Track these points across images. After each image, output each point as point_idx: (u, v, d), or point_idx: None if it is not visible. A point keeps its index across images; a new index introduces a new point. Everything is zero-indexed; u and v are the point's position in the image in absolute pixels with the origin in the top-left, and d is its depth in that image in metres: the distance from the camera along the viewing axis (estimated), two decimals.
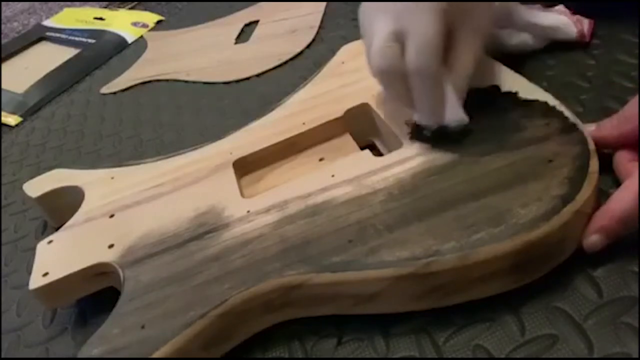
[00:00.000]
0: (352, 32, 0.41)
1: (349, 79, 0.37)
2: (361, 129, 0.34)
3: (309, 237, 0.26)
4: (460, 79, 0.29)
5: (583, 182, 0.24)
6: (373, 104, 0.34)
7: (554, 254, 0.24)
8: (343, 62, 0.39)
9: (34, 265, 0.30)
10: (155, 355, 0.23)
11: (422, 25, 0.26)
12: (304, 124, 0.34)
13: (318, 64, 0.45)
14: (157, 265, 0.28)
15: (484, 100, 0.31)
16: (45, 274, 0.29)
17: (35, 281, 0.29)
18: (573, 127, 0.27)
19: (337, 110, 0.34)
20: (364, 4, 0.31)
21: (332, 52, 0.41)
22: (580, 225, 0.24)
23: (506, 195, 0.25)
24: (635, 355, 0.21)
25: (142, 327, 0.25)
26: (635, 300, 0.23)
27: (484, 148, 0.28)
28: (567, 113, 0.28)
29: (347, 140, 0.34)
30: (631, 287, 0.23)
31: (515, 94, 0.31)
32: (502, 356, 0.23)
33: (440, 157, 0.28)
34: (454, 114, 0.28)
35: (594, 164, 0.25)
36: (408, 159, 0.29)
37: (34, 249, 0.31)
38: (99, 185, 0.35)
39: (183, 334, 0.24)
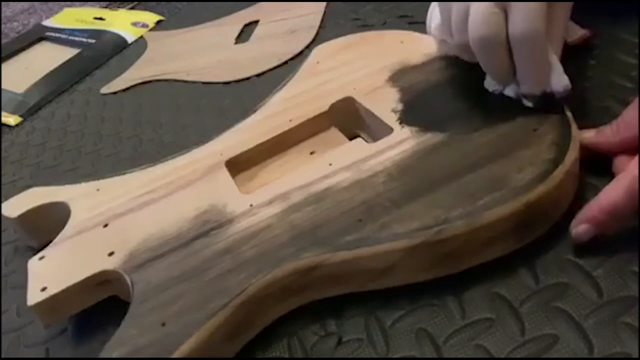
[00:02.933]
0: (352, 32, 0.42)
1: (327, 77, 0.38)
2: (346, 122, 0.35)
3: (318, 222, 0.27)
4: (557, 44, 0.29)
5: (569, 145, 0.26)
6: (357, 97, 0.35)
7: (551, 212, 0.26)
8: (318, 62, 0.40)
9: (28, 282, 0.29)
10: (180, 349, 0.23)
11: None
12: (290, 120, 0.35)
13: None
14: (165, 266, 0.27)
15: (463, 85, 0.33)
16: (44, 289, 0.28)
17: (34, 296, 0.28)
18: (548, 93, 0.29)
19: (321, 105, 0.35)
20: None
21: None
22: (571, 184, 0.26)
23: (501, 163, 0.27)
24: (635, 355, 0.21)
25: (163, 324, 0.24)
26: (635, 300, 0.23)
27: (471, 126, 0.30)
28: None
29: (335, 133, 0.35)
30: (631, 287, 0.23)
31: None
32: (502, 356, 0.23)
33: (431, 138, 0.30)
34: (560, 80, 0.28)
35: (575, 130, 0.27)
36: (401, 142, 0.30)
37: (33, 249, 0.31)
38: (85, 199, 0.34)
39: (206, 326, 0.24)
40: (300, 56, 0.49)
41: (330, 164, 0.30)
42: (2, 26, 0.79)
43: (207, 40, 0.58)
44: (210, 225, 0.29)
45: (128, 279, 0.27)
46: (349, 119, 0.35)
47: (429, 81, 0.34)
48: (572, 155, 0.26)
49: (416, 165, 0.28)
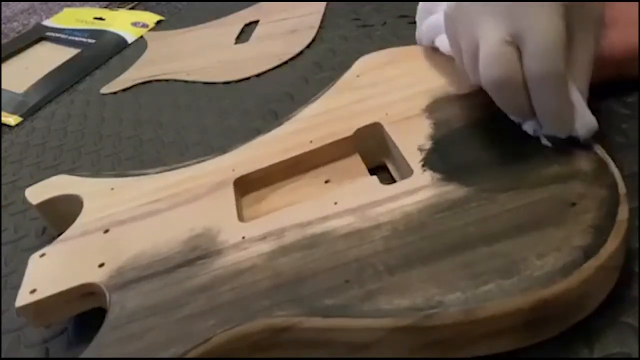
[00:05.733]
0: (352, 32, 0.40)
1: (362, 95, 0.34)
2: (372, 149, 0.32)
3: (304, 274, 0.24)
4: (582, 81, 0.26)
5: (609, 232, 0.22)
6: (385, 124, 0.31)
7: (572, 312, 0.22)
8: (358, 76, 0.36)
9: (23, 280, 0.29)
10: None
11: (543, 23, 0.24)
12: (311, 142, 0.32)
13: (318, 64, 0.44)
14: (145, 292, 0.26)
15: (506, 126, 0.28)
16: (33, 291, 0.28)
17: (23, 298, 0.28)
18: (602, 166, 0.24)
19: (347, 128, 0.32)
20: (454, 6, 0.28)
21: (332, 52, 0.39)
22: (604, 281, 0.22)
23: (521, 241, 0.22)
24: (635, 355, 0.21)
25: None
26: (635, 300, 0.22)
27: (501, 183, 0.25)
28: (597, 149, 0.25)
29: (356, 161, 0.32)
30: (631, 286, 0.23)
31: None
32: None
33: (452, 191, 0.26)
34: (585, 120, 0.25)
35: (624, 211, 0.22)
36: (417, 190, 0.26)
37: (33, 249, 0.31)
38: (98, 196, 0.33)
39: None
40: (300, 56, 0.48)
41: (336, 203, 0.27)
42: (2, 26, 0.81)
43: (207, 40, 0.58)
44: (198, 252, 0.27)
45: (108, 298, 0.27)
46: (374, 147, 0.32)
47: (469, 117, 0.30)
48: (611, 246, 0.21)
49: (426, 223, 0.25)
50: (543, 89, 0.24)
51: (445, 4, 0.29)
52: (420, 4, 0.37)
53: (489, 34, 0.25)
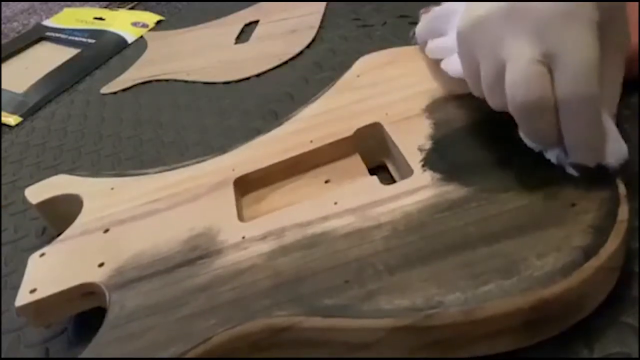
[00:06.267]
0: (352, 32, 0.39)
1: (362, 95, 0.34)
2: (372, 149, 0.32)
3: (304, 273, 0.24)
4: (612, 105, 0.24)
5: (609, 232, 0.22)
6: (385, 124, 0.31)
7: (572, 312, 0.22)
8: (358, 76, 0.36)
9: (23, 280, 0.29)
10: None
11: (580, 43, 0.22)
12: (311, 141, 0.32)
13: (318, 64, 0.44)
14: (144, 291, 0.26)
15: (506, 126, 0.28)
16: (33, 291, 0.28)
17: (22, 298, 0.28)
18: (602, 166, 0.24)
19: (347, 128, 0.32)
20: (470, 24, 0.25)
21: (332, 52, 0.39)
22: (604, 281, 0.22)
23: (521, 241, 0.22)
24: (635, 355, 0.21)
25: None
26: (635, 300, 0.22)
27: (501, 183, 0.25)
28: None
29: (356, 161, 0.32)
30: (631, 286, 0.23)
31: None
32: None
33: (452, 191, 0.26)
34: (617, 149, 0.23)
35: (624, 211, 0.22)
36: (417, 190, 0.26)
37: (33, 249, 0.30)
38: (98, 196, 0.33)
39: None
40: (300, 56, 0.48)
41: (336, 203, 0.27)
42: (2, 26, 0.81)
43: (207, 40, 0.58)
44: (198, 252, 0.27)
45: (108, 298, 0.26)
46: (374, 147, 0.32)
47: (469, 117, 0.30)
48: (611, 246, 0.21)
49: (427, 222, 0.25)
50: (576, 113, 0.22)
51: (454, 24, 0.27)
52: (423, 18, 0.35)
53: (518, 53, 0.23)
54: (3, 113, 0.56)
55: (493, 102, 0.25)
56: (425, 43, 0.35)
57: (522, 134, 0.25)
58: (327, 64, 0.46)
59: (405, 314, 0.21)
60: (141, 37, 0.64)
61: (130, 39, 0.64)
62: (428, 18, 0.35)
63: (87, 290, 0.28)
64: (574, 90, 0.22)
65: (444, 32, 0.33)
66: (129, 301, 0.26)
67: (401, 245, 0.24)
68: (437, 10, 0.34)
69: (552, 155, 0.25)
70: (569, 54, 0.22)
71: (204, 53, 0.55)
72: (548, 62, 0.22)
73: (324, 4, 0.56)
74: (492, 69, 0.24)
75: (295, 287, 0.24)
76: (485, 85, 0.25)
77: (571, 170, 0.24)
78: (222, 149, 0.34)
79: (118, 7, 0.75)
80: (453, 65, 0.30)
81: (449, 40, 0.31)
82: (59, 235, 0.32)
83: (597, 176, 0.24)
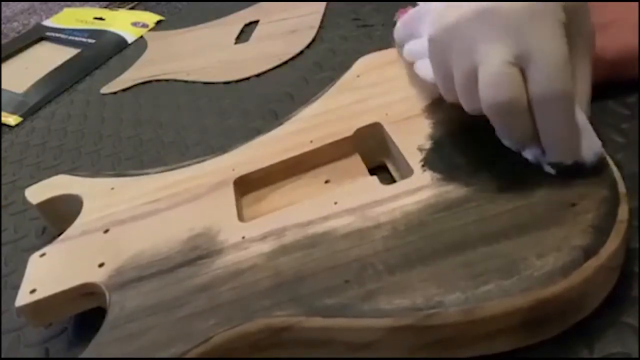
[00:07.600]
0: (352, 32, 0.40)
1: (362, 95, 0.34)
2: (372, 149, 0.32)
3: (304, 273, 0.24)
4: (584, 101, 0.25)
5: (609, 232, 0.22)
6: (385, 124, 0.31)
7: (572, 312, 0.22)
8: (358, 76, 0.36)
9: (23, 280, 0.29)
10: None
11: (549, 43, 0.22)
12: (311, 141, 0.32)
13: (318, 64, 0.44)
14: (145, 292, 0.26)
15: None
16: (33, 291, 0.28)
17: (22, 298, 0.28)
18: (602, 165, 0.24)
19: (347, 128, 0.32)
20: (442, 29, 0.25)
21: (332, 52, 0.39)
22: (604, 281, 0.22)
23: (521, 241, 0.22)
24: (635, 355, 0.21)
25: None
26: (635, 300, 0.22)
27: (501, 183, 0.25)
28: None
29: (356, 161, 0.32)
30: (631, 286, 0.23)
31: None
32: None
33: (452, 191, 0.26)
34: (592, 144, 0.24)
35: (624, 211, 0.22)
36: (417, 190, 0.26)
37: (33, 249, 0.30)
38: (98, 196, 0.33)
39: None
40: (300, 56, 0.48)
41: (336, 203, 0.27)
42: (2, 26, 0.81)
43: (207, 40, 0.58)
44: (198, 252, 0.27)
45: (108, 298, 0.26)
46: (374, 147, 0.32)
47: (469, 118, 0.29)
48: (611, 246, 0.21)
49: (427, 222, 0.25)
50: (551, 112, 0.23)
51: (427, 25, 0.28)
52: (400, 22, 0.35)
53: (490, 56, 0.23)
54: (3, 113, 0.56)
55: (468, 106, 0.26)
56: (402, 45, 0.35)
57: (498, 135, 0.26)
58: (327, 64, 0.46)
59: (405, 313, 0.21)
60: (141, 37, 0.64)
61: (130, 39, 0.64)
62: (404, 20, 0.35)
63: (87, 291, 0.28)
64: (548, 87, 0.22)
65: (420, 33, 0.33)
66: (129, 301, 0.26)
67: (401, 245, 0.24)
68: (412, 11, 0.34)
69: (529, 154, 0.25)
70: (540, 53, 0.22)
71: (204, 53, 0.56)
72: (519, 63, 0.23)
73: (324, 4, 0.56)
74: (465, 73, 0.24)
75: (295, 287, 0.24)
76: (459, 89, 0.25)
77: (548, 169, 0.25)
78: (222, 149, 0.34)
79: (118, 7, 0.75)
80: (425, 69, 0.30)
81: (424, 42, 0.31)
82: (59, 235, 0.32)
83: (574, 173, 0.24)
